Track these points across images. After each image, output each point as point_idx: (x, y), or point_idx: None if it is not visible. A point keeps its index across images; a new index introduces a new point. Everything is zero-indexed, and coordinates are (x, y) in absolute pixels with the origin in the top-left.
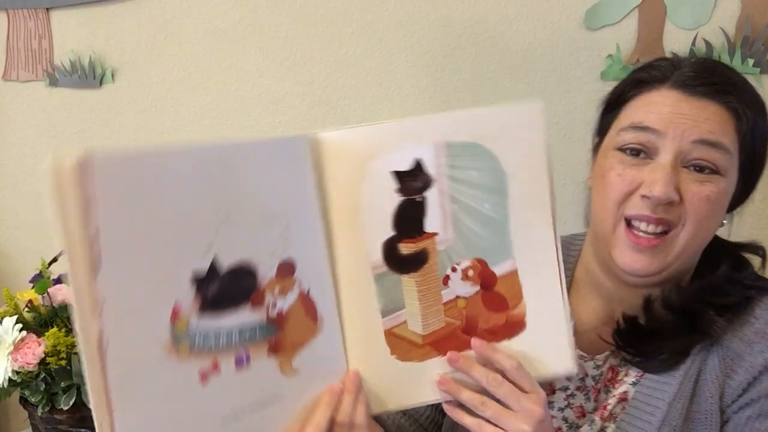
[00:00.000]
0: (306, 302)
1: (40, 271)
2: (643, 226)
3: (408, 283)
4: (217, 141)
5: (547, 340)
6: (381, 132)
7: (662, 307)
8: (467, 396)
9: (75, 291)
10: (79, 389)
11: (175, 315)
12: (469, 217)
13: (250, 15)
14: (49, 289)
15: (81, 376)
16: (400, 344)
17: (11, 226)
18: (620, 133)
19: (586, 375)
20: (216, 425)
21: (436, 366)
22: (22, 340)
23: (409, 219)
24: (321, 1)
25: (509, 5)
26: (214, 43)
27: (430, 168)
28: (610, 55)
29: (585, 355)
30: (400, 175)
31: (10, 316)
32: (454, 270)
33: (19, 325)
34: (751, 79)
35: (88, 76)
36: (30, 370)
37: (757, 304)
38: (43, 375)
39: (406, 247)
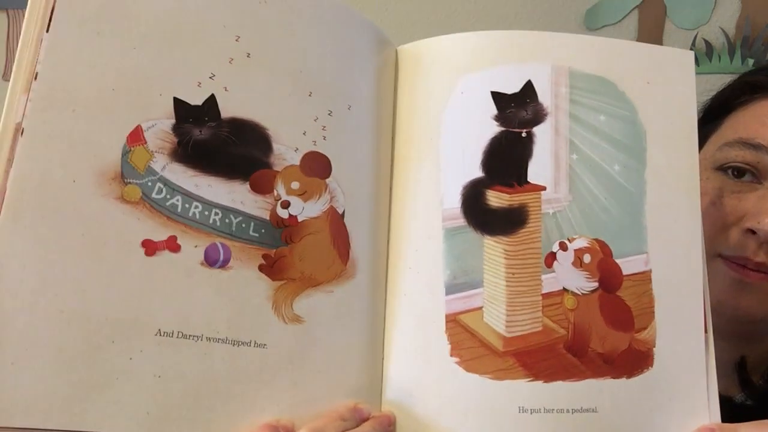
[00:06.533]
0: (336, 226)
1: None
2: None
3: (493, 250)
4: None
5: (679, 387)
6: (483, 40)
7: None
8: None
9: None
10: None
11: (134, 138)
12: (593, 177)
13: None
14: None
15: None
16: (468, 342)
17: None
18: (722, 149)
19: None
20: (144, 330)
21: (520, 392)
22: None
23: (507, 159)
24: None
25: (509, 5)
26: None
27: (545, 96)
28: None
29: None
30: (501, 98)
31: None
32: (563, 248)
33: None
34: None
35: None
36: None
37: None
38: None
39: (497, 197)
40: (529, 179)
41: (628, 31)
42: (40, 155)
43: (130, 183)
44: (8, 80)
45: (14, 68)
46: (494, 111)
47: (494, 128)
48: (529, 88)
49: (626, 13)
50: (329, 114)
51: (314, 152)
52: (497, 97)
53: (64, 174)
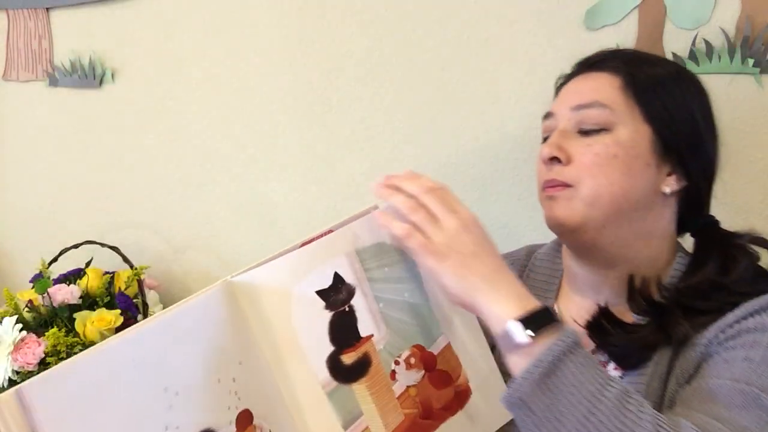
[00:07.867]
0: None
1: (40, 271)
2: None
3: (359, 389)
4: (131, 332)
5: (493, 391)
6: (293, 261)
7: (641, 296)
8: (400, 200)
9: None
10: None
11: None
12: (396, 310)
13: (249, 14)
14: (49, 289)
15: None
16: None
17: (11, 225)
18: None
19: None
20: None
21: None
22: (22, 340)
23: (344, 330)
24: (320, 0)
25: (509, 5)
26: (214, 43)
27: (349, 277)
28: None
29: None
30: (323, 293)
31: (10, 316)
32: (397, 363)
33: (19, 325)
34: (751, 79)
35: (88, 76)
36: (30, 370)
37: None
38: None
39: (348, 357)
40: (362, 334)
41: (628, 31)
42: None
43: None
44: (8, 80)
45: None
46: (323, 303)
47: (328, 315)
48: (337, 278)
49: (626, 13)
50: (233, 381)
51: (239, 415)
52: (320, 293)
53: None
